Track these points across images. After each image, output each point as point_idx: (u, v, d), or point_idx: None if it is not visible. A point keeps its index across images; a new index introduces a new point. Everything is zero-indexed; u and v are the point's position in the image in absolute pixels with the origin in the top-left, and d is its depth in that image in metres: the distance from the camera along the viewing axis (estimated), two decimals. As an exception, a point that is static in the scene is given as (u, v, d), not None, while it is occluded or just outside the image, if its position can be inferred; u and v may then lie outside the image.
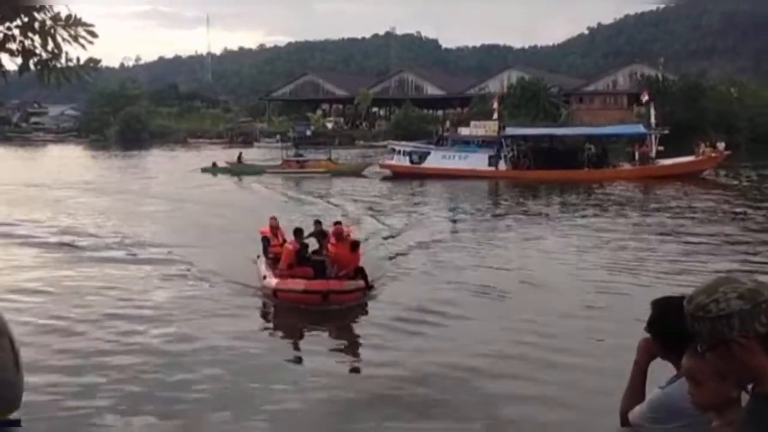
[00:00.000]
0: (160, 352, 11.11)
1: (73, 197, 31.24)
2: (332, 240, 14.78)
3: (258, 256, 15.96)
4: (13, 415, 5.10)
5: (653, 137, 40.53)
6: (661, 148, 40.36)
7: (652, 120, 41.40)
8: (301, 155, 46.98)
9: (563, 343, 11.34)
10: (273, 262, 14.93)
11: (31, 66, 4.68)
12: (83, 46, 4.82)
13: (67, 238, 20.87)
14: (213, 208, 27.52)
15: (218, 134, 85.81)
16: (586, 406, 8.60)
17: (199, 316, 13.11)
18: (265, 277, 14.49)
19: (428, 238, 21.21)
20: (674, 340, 2.71)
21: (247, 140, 76.81)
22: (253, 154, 52.69)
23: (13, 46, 4.59)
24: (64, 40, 4.59)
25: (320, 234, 15.57)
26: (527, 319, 12.71)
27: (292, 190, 35.32)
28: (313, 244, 15.49)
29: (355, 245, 14.39)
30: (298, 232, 14.98)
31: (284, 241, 15.30)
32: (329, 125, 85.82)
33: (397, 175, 41.05)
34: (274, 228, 16.06)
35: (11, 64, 4.84)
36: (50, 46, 4.72)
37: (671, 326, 2.85)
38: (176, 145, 76.18)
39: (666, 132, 41.09)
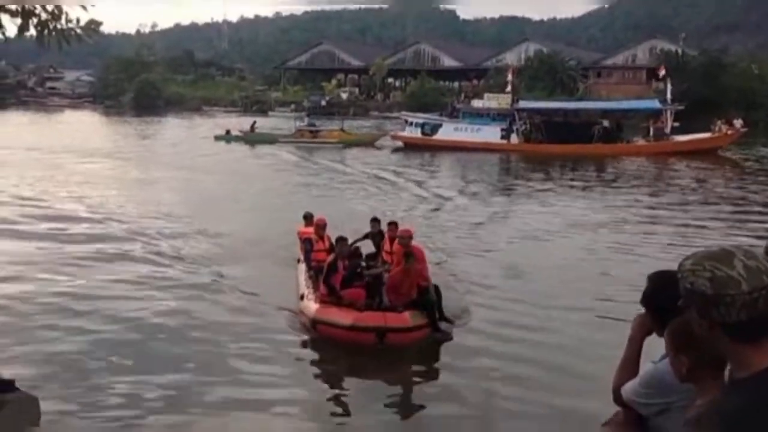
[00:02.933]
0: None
1: (88, 164, 31.28)
2: (387, 246, 12.02)
3: (298, 260, 13.12)
4: (7, 376, 5.16)
5: (668, 113, 40.13)
6: (676, 124, 39.96)
7: (668, 95, 40.96)
8: (314, 125, 46.88)
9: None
10: (316, 274, 11.61)
11: (31, 27, 4.68)
12: (84, 8, 4.80)
13: (76, 210, 20.35)
14: (226, 178, 27.42)
15: (233, 102, 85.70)
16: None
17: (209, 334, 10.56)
18: (303, 297, 11.24)
19: (434, 214, 21.17)
20: (668, 313, 2.72)
21: (262, 109, 76.61)
22: (266, 123, 52.62)
23: (13, 6, 4.59)
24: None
25: (378, 236, 12.61)
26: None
27: (304, 161, 35.30)
28: (368, 246, 12.74)
29: (413, 260, 10.63)
30: (340, 242, 11.11)
31: (331, 246, 11.80)
32: (344, 95, 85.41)
33: (409, 147, 40.95)
34: (320, 228, 12.51)
35: (12, 25, 4.84)
36: (50, 6, 4.72)
37: (665, 299, 2.85)
38: (191, 113, 76.15)
39: (681, 108, 40.65)
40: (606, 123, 40.65)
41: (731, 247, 2.00)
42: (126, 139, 45.90)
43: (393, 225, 12.24)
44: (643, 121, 42.90)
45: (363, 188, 25.80)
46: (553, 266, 14.40)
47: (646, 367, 3.12)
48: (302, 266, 12.51)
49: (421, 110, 51.16)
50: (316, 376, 9.52)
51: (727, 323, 1.90)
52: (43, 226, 17.70)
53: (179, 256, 15.11)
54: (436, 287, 10.89)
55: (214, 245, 16.06)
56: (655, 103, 41.80)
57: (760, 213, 21.22)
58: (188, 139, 46.02)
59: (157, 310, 11.49)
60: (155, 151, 39.37)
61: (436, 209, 21.68)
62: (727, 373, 2.22)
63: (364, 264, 11.73)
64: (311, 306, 10.73)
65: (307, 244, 12.55)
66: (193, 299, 12.12)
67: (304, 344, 10.46)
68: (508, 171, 34.61)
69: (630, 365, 3.27)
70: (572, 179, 29.50)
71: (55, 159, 32.25)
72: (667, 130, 39.94)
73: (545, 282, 13.23)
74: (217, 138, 44.31)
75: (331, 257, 10.96)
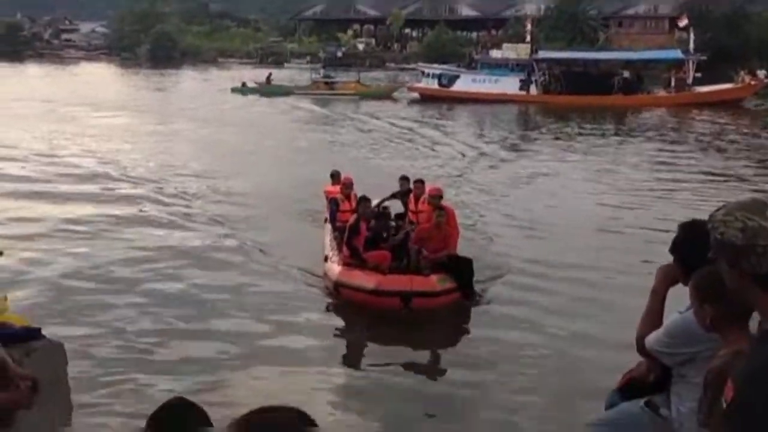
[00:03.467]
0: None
1: (105, 118, 31.16)
2: (411, 206, 11.39)
3: (325, 220, 12.48)
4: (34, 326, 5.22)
5: (691, 63, 39.47)
6: (698, 74, 39.32)
7: (691, 45, 40.24)
8: (330, 77, 46.58)
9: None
10: (341, 235, 10.90)
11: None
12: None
13: (91, 165, 20.05)
14: (244, 131, 27.26)
15: (248, 54, 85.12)
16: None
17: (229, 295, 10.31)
18: (327, 259, 10.80)
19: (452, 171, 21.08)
20: (696, 263, 2.70)
21: (277, 61, 76.08)
22: (282, 75, 52.34)
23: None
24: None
25: (407, 195, 11.78)
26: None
27: (321, 114, 35.16)
28: (396, 207, 12.10)
29: (444, 215, 10.15)
30: (363, 202, 10.58)
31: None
32: (360, 46, 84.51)
33: (426, 99, 40.60)
34: (347, 188, 11.85)
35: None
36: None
37: (695, 248, 2.83)
38: (206, 65, 75.79)
39: (704, 58, 39.93)
40: (626, 74, 40.06)
41: (764, 197, 1.98)
42: (142, 92, 45.82)
43: (419, 182, 11.54)
44: (664, 71, 42.23)
45: (381, 142, 25.67)
46: (581, 224, 14.03)
47: (671, 317, 3.10)
48: (328, 227, 11.89)
49: (439, 61, 50.55)
50: (336, 342, 9.09)
51: (757, 274, 1.87)
52: (58, 183, 17.57)
53: (198, 213, 14.89)
54: (468, 260, 10.09)
55: (234, 202, 15.85)
56: (678, 53, 41.11)
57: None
58: (205, 91, 45.87)
59: (173, 270, 11.19)
60: (172, 103, 39.31)
61: (458, 164, 21.56)
62: (755, 325, 2.20)
63: (393, 223, 11.29)
64: (334, 269, 10.29)
65: (332, 203, 11.94)
66: (213, 259, 11.86)
67: (327, 308, 10.05)
68: (526, 123, 34.28)
69: (653, 316, 3.26)
70: (592, 132, 29.17)
71: (70, 112, 32.22)
72: (689, 80, 39.35)
73: (575, 241, 12.77)
74: (234, 90, 44.14)
75: (353, 218, 10.44)
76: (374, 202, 11.33)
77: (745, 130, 29.18)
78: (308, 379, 7.81)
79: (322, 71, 48.66)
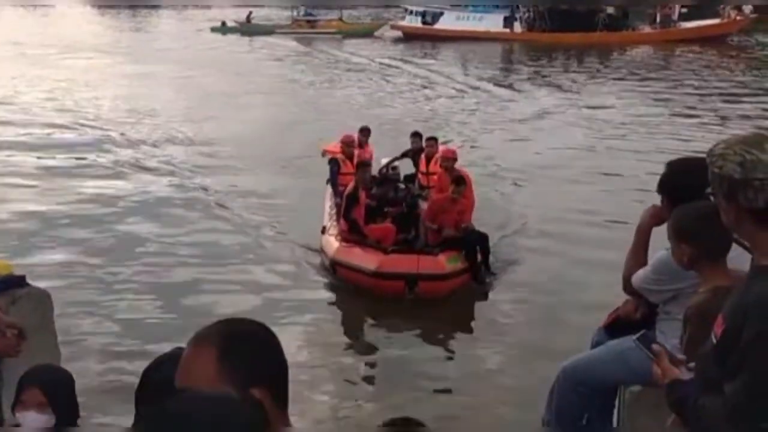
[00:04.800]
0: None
1: (78, 59, 30.47)
2: (422, 166, 10.34)
3: (327, 182, 10.92)
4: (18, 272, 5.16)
5: (677, -2, 39.06)
6: (684, 10, 38.93)
7: (677, -20, 39.77)
8: (311, 14, 45.80)
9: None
10: (342, 200, 9.47)
11: None
12: None
13: (62, 112, 19.28)
14: (227, 74, 26.33)
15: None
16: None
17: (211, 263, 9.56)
18: (324, 230, 9.69)
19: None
20: (684, 201, 2.70)
21: (258, -1, 74.63)
22: (262, 13, 51.36)
23: None
24: None
25: (419, 153, 10.62)
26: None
27: (304, 53, 34.60)
28: (406, 167, 10.96)
29: (461, 182, 8.96)
30: (361, 167, 9.35)
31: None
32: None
33: (409, 37, 40.04)
34: (347, 146, 10.41)
35: None
36: None
37: (681, 184, 2.83)
38: (185, 3, 74.21)
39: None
40: (611, 10, 39.60)
41: (765, 132, 1.96)
42: (117, 33, 44.84)
43: (432, 140, 10.43)
44: (650, 7, 41.78)
45: (366, 82, 25.41)
46: (580, 169, 13.60)
47: (657, 254, 3.12)
48: (329, 191, 10.59)
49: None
50: (330, 331, 8.12)
51: (754, 209, 1.86)
52: (21, 131, 16.94)
53: (176, 169, 14.07)
54: (484, 236, 9.12)
55: (210, 152, 14.99)
56: (663, -11, 40.57)
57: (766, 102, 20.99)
58: (183, 31, 44.99)
59: (147, 234, 10.55)
60: (148, 44, 38.43)
61: (442, 105, 21.42)
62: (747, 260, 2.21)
63: (402, 185, 10.32)
64: (331, 243, 9.15)
65: (332, 164, 10.45)
66: (190, 224, 11.01)
67: (322, 288, 9.07)
68: (510, 62, 33.91)
69: (638, 253, 3.27)
70: (577, 70, 28.99)
71: (40, 54, 31.15)
72: (675, 16, 38.94)
73: (580, 189, 12.34)
74: (213, 30, 43.35)
75: (350, 185, 9.14)
76: (383, 162, 10.61)
77: (729, 68, 29.06)
78: (295, 371, 7.06)
79: (303, 9, 47.81)
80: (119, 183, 13.19)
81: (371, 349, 7.85)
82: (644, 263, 3.22)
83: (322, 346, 7.67)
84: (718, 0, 39.66)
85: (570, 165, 14.14)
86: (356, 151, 10.35)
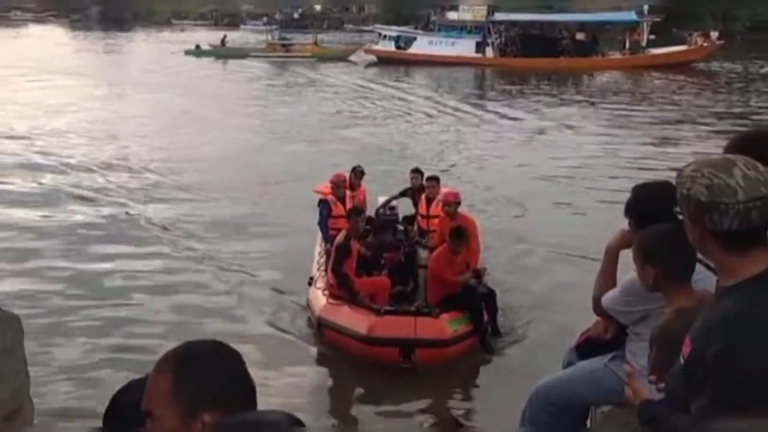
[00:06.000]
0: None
1: (50, 82, 30.03)
2: (422, 208, 9.27)
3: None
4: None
5: (645, 25, 39.76)
6: (652, 36, 39.67)
7: (645, 7, 40.51)
8: (286, 39, 46.00)
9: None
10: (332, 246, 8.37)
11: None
12: None
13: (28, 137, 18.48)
14: (200, 97, 26.34)
15: (202, 16, 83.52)
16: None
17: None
18: (312, 281, 8.69)
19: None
20: (650, 222, 2.74)
21: (233, 22, 74.76)
22: (238, 38, 51.46)
23: None
24: None
25: (419, 192, 9.56)
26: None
27: (278, 77, 34.66)
28: (406, 207, 9.97)
29: (461, 235, 7.78)
30: (353, 216, 8.21)
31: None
32: (317, 7, 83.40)
33: (383, 61, 40.34)
34: (338, 187, 9.29)
35: None
36: None
37: (645, 208, 2.88)
38: (160, 27, 74.13)
39: (658, 20, 40.26)
40: (581, 36, 40.27)
41: (734, 156, 2.00)
42: (90, 55, 44.67)
43: (433, 180, 9.34)
44: (619, 33, 42.50)
45: (340, 106, 25.48)
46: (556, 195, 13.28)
47: (628, 275, 3.17)
48: (319, 236, 9.52)
49: (399, 23, 50.15)
50: (313, 404, 6.96)
51: (719, 231, 1.90)
52: None
53: (131, 200, 13.15)
54: (490, 291, 8.07)
55: (187, 185, 13.89)
56: (632, 15, 41.26)
57: (733, 125, 21.34)
58: (157, 54, 44.88)
59: (114, 268, 9.79)
60: (121, 66, 38.39)
61: (416, 129, 21.53)
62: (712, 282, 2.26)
63: (401, 227, 9.37)
64: (318, 299, 8.08)
65: (322, 206, 9.30)
66: (160, 271, 9.94)
67: (305, 353, 7.89)
68: (482, 87, 34.25)
69: (607, 275, 3.32)
70: (547, 95, 29.31)
71: (7, 76, 30.19)
72: (644, 43, 39.65)
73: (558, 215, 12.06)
74: (187, 53, 43.33)
75: (341, 235, 8.08)
76: (380, 201, 9.88)
77: (695, 93, 29.57)
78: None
79: (278, 33, 47.97)
80: (74, 214, 12.36)
81: (359, 426, 6.94)
82: (613, 285, 3.26)
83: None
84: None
85: (553, 190, 14.14)
86: (348, 193, 9.41)
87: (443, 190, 9.24)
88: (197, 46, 44.11)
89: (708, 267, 2.41)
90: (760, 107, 24.72)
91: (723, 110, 24.49)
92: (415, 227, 9.44)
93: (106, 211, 12.60)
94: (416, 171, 9.98)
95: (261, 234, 11.41)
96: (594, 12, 46.72)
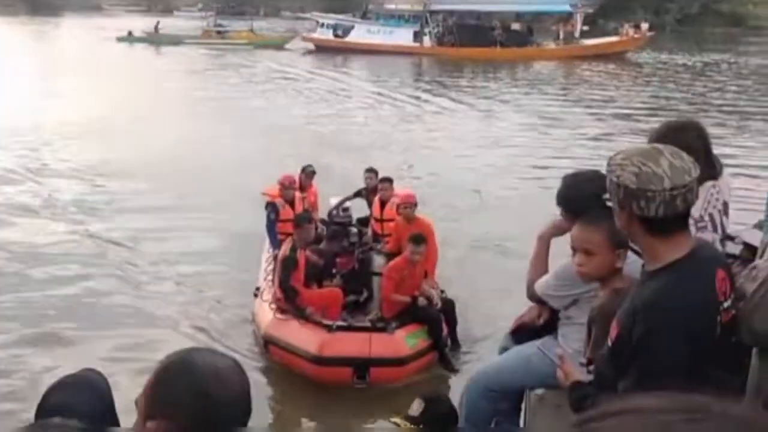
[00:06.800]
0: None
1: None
2: (376, 211, 8.78)
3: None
4: None
5: (578, 16, 40.52)
6: (585, 27, 40.46)
7: (578, -1, 41.35)
8: (221, 26, 45.35)
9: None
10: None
11: None
12: None
13: None
14: (136, 86, 25.44)
15: (135, 1, 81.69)
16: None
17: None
18: (257, 292, 8.01)
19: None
20: (582, 212, 2.81)
21: (167, 8, 73.37)
22: (172, 24, 50.45)
23: None
24: None
25: (373, 193, 9.08)
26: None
27: (213, 66, 34.11)
28: (359, 208, 9.52)
29: (420, 240, 7.22)
30: (300, 225, 7.54)
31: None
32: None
33: (320, 49, 40.16)
34: (286, 189, 8.72)
35: None
36: None
37: (577, 196, 2.95)
38: (90, 12, 72.16)
39: (591, 11, 41.09)
40: (517, 26, 40.84)
41: (661, 145, 2.10)
42: (15, 42, 43.08)
43: (386, 182, 8.80)
44: (554, 24, 43.23)
45: (275, 94, 25.26)
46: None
47: (560, 261, 3.26)
48: (266, 243, 8.89)
49: (338, 11, 49.92)
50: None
51: (645, 217, 1.99)
52: None
53: (57, 207, 11.98)
54: (448, 302, 7.53)
55: (118, 188, 12.79)
56: (565, 6, 42.00)
57: (658, 115, 21.92)
58: (88, 41, 43.66)
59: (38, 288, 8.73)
60: (48, 54, 37.19)
61: (351, 119, 21.50)
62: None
63: (355, 230, 8.85)
64: (265, 313, 7.44)
65: (269, 209, 8.67)
66: (80, 278, 9.05)
67: (250, 373, 5.09)
68: (419, 76, 34.35)
69: (540, 262, 3.41)
70: (483, 85, 29.61)
71: None
72: (577, 33, 40.42)
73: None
74: (120, 39, 42.34)
75: (286, 245, 7.42)
76: (332, 202, 9.41)
77: (628, 82, 30.34)
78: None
79: (213, 20, 47.25)
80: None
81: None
82: (545, 271, 3.34)
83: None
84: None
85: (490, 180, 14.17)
86: (297, 194, 8.82)
87: (398, 191, 8.72)
88: (129, 33, 43.14)
89: (637, 252, 2.50)
90: (684, 97, 25.43)
91: (649, 99, 25.12)
92: (370, 231, 8.94)
93: (21, 220, 11.34)
94: (371, 171, 9.47)
95: (197, 236, 10.44)
96: (529, 3, 47.37)
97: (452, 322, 7.47)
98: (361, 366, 6.72)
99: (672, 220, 1.99)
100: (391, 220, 8.38)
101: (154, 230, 10.66)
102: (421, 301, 7.28)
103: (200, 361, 1.50)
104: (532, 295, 3.42)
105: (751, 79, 31.32)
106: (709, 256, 2.15)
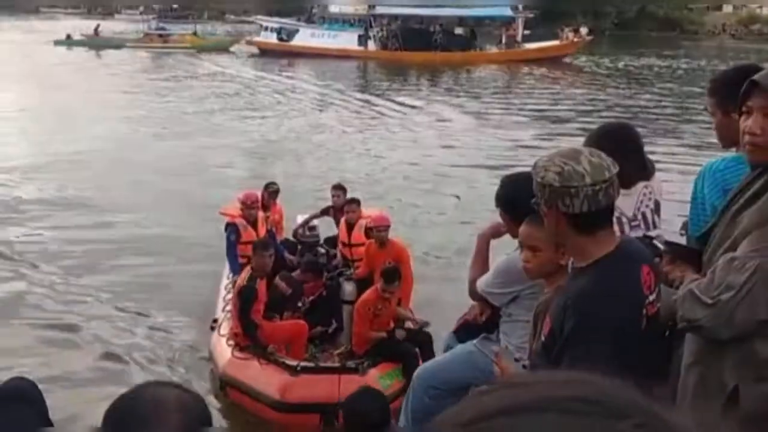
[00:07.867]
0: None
1: None
2: (343, 235, 7.97)
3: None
4: None
5: (520, 21, 41.17)
6: (527, 32, 41.11)
7: (520, 4, 41.96)
8: (164, 29, 44.76)
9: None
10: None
11: None
12: None
13: None
14: (73, 92, 25.10)
15: (74, 4, 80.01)
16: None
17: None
18: (214, 325, 7.25)
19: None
20: (520, 212, 2.91)
21: (107, 11, 72.10)
22: (112, 27, 49.60)
23: None
24: None
25: (341, 212, 8.28)
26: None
27: (154, 70, 33.65)
28: (325, 226, 8.89)
29: (394, 276, 6.56)
30: (258, 250, 6.76)
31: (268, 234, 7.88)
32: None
33: (265, 53, 39.98)
34: (248, 208, 7.85)
35: None
36: None
37: (515, 198, 3.06)
38: (26, 15, 70.43)
39: (532, 15, 41.77)
40: (460, 30, 41.28)
41: (580, 147, 2.24)
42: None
43: (353, 204, 8.01)
44: (496, 28, 43.81)
45: (221, 101, 25.03)
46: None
47: (500, 259, 3.37)
48: (226, 268, 8.13)
49: (282, 14, 49.61)
50: None
51: (571, 214, 2.12)
52: None
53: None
54: (425, 335, 6.71)
55: (58, 197, 11.99)
56: (507, 11, 42.61)
57: (595, 117, 22.42)
58: (24, 44, 42.59)
59: None
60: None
61: (288, 124, 21.46)
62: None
63: (324, 251, 8.27)
64: (222, 350, 6.72)
65: (229, 231, 7.82)
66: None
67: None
68: (364, 79, 34.50)
69: (480, 259, 3.52)
70: (427, 89, 29.87)
71: None
72: (519, 38, 41.05)
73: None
74: (57, 43, 41.44)
75: (244, 274, 6.77)
76: (299, 220, 8.85)
77: (567, 85, 30.95)
78: None
79: (155, 23, 46.61)
80: None
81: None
82: (486, 270, 3.45)
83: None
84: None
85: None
86: (261, 214, 8.01)
87: (373, 213, 7.99)
88: (68, 36, 42.28)
89: None
90: (618, 101, 25.97)
91: (588, 102, 25.64)
92: (338, 255, 8.16)
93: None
94: (338, 188, 8.64)
95: (144, 256, 9.52)
96: (472, 8, 47.90)
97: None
98: (330, 412, 5.88)
99: (597, 216, 2.12)
100: (361, 244, 7.67)
101: (92, 243, 9.87)
102: (399, 333, 6.69)
103: (147, 396, 1.46)
104: (474, 293, 3.52)
105: (678, 82, 32.22)
106: (635, 252, 2.28)
